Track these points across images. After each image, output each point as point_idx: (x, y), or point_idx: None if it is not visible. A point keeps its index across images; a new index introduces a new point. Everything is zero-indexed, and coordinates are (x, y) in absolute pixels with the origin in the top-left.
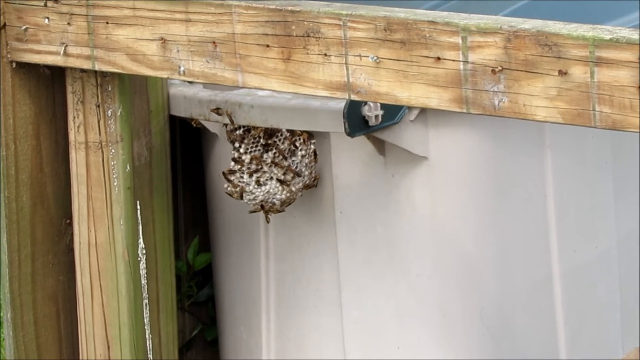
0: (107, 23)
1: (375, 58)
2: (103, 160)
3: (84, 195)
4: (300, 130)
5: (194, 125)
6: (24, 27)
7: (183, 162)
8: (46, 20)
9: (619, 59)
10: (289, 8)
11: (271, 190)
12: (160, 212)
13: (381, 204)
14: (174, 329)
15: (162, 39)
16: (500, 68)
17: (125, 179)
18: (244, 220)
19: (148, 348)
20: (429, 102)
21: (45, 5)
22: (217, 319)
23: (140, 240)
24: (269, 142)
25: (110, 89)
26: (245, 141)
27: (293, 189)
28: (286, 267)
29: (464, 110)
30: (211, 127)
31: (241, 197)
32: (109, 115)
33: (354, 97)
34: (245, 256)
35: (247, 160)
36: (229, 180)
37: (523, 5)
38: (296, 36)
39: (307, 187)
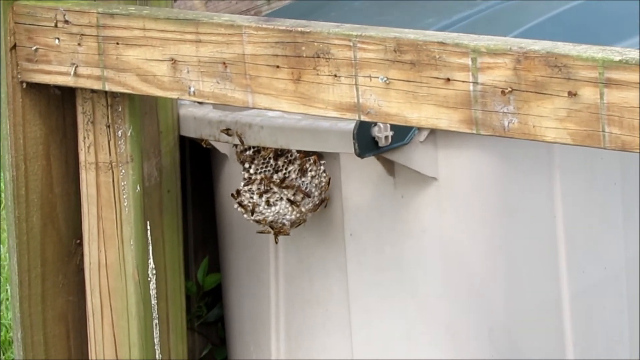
0: (118, 44)
1: (385, 79)
2: (113, 181)
3: (94, 216)
4: (310, 151)
5: (204, 145)
6: (34, 48)
7: (193, 182)
8: (57, 40)
9: (628, 80)
10: (299, 29)
11: (281, 211)
12: (170, 232)
13: (390, 224)
14: (184, 350)
15: (172, 59)
16: (510, 89)
17: (136, 200)
18: (254, 240)
19: None
20: (438, 123)
21: (56, 25)
22: (227, 339)
23: (151, 260)
24: (279, 162)
25: (120, 109)
26: (255, 162)
27: (303, 209)
28: (295, 287)
29: (474, 131)
30: (221, 147)
31: (249, 218)
32: (119, 135)
33: (363, 118)
34: (255, 276)
35: (257, 181)
36: (238, 202)
37: (529, 28)
38: (306, 57)
39: (316, 207)
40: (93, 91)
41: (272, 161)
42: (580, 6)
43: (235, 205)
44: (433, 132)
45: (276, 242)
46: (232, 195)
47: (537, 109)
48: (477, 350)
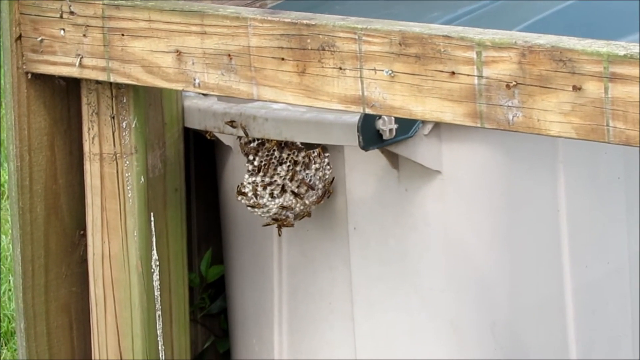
0: (123, 35)
1: (390, 72)
2: (117, 172)
3: (98, 207)
4: (314, 144)
5: (208, 137)
6: (39, 39)
7: (197, 174)
8: (62, 31)
9: (633, 74)
10: (305, 21)
11: (285, 203)
12: (174, 224)
13: (394, 217)
14: (187, 341)
15: (177, 51)
16: (514, 83)
17: (140, 191)
18: (257, 232)
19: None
20: (443, 116)
21: (61, 16)
22: (230, 331)
23: (154, 251)
24: (283, 155)
25: (125, 100)
26: (260, 154)
27: (307, 202)
28: (299, 280)
29: (478, 125)
30: (225, 139)
31: (253, 210)
32: (124, 127)
33: (368, 111)
34: (258, 269)
35: (260, 173)
36: (242, 194)
37: (534, 22)
38: (311, 49)
39: (319, 200)
40: (98, 82)
41: (276, 153)
42: (585, 1)
43: (239, 197)
44: (437, 125)
45: (279, 235)
46: (237, 189)
47: (541, 102)
48: (480, 344)
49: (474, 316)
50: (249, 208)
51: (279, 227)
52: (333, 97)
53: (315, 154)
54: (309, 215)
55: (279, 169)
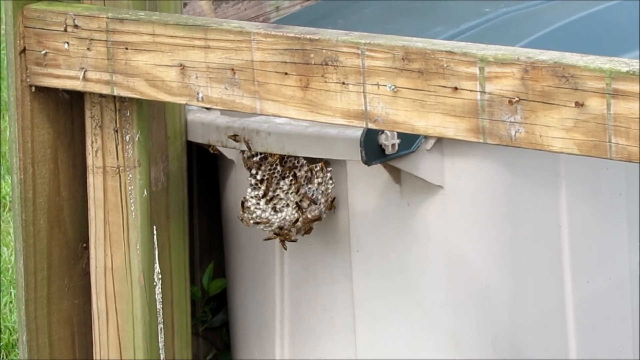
0: (127, 49)
1: (393, 87)
2: (120, 185)
3: (101, 220)
4: (317, 158)
5: (211, 151)
6: (43, 52)
7: (199, 187)
8: (66, 45)
9: (635, 91)
10: (308, 36)
11: (287, 217)
12: (177, 237)
13: (396, 232)
14: (188, 354)
15: (181, 65)
16: (517, 99)
17: (142, 204)
18: (259, 246)
19: None
20: (445, 131)
21: (65, 30)
22: (231, 344)
23: (156, 265)
24: (286, 169)
25: (128, 114)
26: (262, 168)
27: (309, 216)
28: (301, 293)
29: (481, 141)
30: (228, 153)
31: (256, 224)
32: (127, 140)
33: (371, 126)
34: (260, 282)
35: (263, 187)
36: (245, 208)
37: (537, 38)
38: (314, 64)
39: (322, 214)
40: (101, 96)
41: (278, 167)
42: (588, 17)
43: (241, 211)
44: (440, 140)
45: (285, 249)
46: (242, 203)
47: (544, 118)
48: (481, 358)
49: (475, 330)
50: (251, 222)
51: (283, 242)
52: (336, 112)
53: (318, 168)
54: (311, 229)
55: (281, 183)
